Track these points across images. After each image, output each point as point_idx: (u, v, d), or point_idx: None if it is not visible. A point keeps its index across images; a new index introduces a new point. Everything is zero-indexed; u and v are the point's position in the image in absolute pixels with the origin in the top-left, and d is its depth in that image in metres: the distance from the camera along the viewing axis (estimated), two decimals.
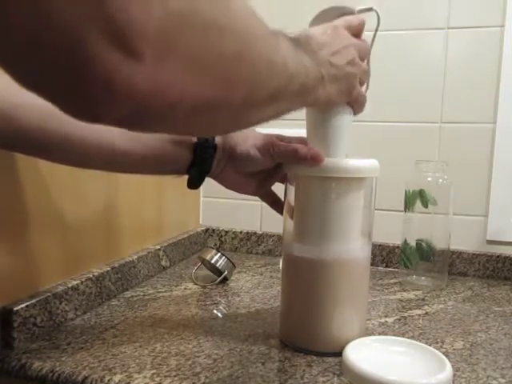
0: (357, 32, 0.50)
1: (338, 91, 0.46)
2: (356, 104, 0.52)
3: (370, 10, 0.52)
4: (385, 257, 0.96)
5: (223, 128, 0.35)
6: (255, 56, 0.31)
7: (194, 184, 0.56)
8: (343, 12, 0.51)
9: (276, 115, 0.38)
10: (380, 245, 0.95)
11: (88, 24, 0.21)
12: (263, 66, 0.32)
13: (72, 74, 0.22)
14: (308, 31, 0.45)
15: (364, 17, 0.51)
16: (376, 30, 0.54)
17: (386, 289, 0.81)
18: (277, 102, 0.37)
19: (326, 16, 0.51)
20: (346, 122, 0.53)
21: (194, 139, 0.53)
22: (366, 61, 0.51)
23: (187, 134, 0.32)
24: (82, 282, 0.64)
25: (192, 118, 0.29)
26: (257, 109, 0.35)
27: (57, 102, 0.25)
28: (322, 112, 0.52)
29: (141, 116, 0.26)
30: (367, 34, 0.52)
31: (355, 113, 0.53)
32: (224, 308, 0.70)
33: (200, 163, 0.53)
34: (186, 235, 0.98)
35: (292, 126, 0.97)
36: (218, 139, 0.54)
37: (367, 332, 0.60)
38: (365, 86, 0.53)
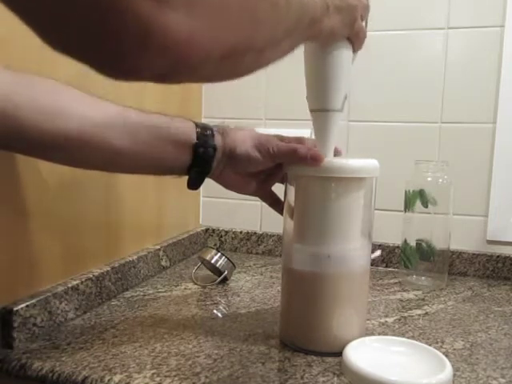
0: None
1: (342, 22, 0.46)
2: (356, 39, 0.51)
3: None
4: (385, 257, 0.96)
5: (246, 69, 0.35)
6: None
7: (194, 185, 0.56)
8: None
9: (289, 51, 0.38)
10: (380, 245, 0.95)
11: None
12: (282, 3, 0.33)
13: (106, 25, 0.22)
14: None
15: None
16: None
17: (386, 289, 0.81)
18: (292, 37, 0.37)
19: None
20: (346, 57, 0.51)
21: (194, 140, 0.53)
22: None
23: (215, 81, 0.33)
24: (82, 282, 0.64)
25: (221, 65, 0.30)
26: (276, 45, 0.35)
27: (94, 60, 0.24)
28: (323, 47, 0.51)
29: (174, 68, 0.26)
30: None
31: (355, 49, 0.52)
32: (224, 308, 0.70)
33: (200, 164, 0.53)
34: (186, 235, 0.98)
35: (292, 126, 0.97)
36: (217, 140, 0.54)
37: (367, 332, 0.60)
38: (364, 22, 0.52)
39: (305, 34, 0.41)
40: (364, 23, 0.52)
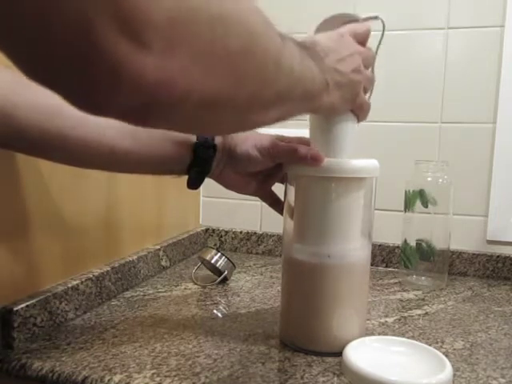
0: (362, 40, 0.49)
1: (342, 98, 0.46)
2: (360, 111, 0.52)
3: (375, 18, 0.52)
4: (385, 257, 0.96)
5: (228, 127, 0.35)
6: (263, 53, 0.31)
7: (194, 184, 0.56)
8: (348, 20, 0.51)
9: (280, 118, 0.38)
10: (380, 245, 0.95)
11: (97, 11, 0.21)
12: (270, 64, 0.32)
13: (79, 61, 0.22)
14: (314, 37, 0.45)
15: (369, 24, 0.51)
16: (381, 38, 0.54)
17: (386, 289, 0.81)
18: (282, 105, 0.36)
19: (331, 24, 0.51)
20: (349, 129, 0.52)
21: (194, 139, 0.53)
22: (370, 68, 0.51)
23: (191, 131, 0.32)
24: (82, 282, 0.64)
25: (198, 114, 0.29)
26: (262, 109, 0.35)
27: (62, 91, 0.24)
28: (326, 118, 0.52)
29: (149, 109, 0.26)
30: (371, 41, 0.52)
31: (359, 120, 0.53)
32: (224, 308, 0.70)
33: (200, 164, 0.53)
34: (186, 235, 0.98)
35: (292, 126, 0.97)
36: (217, 140, 0.54)
37: (367, 332, 0.60)
38: (368, 93, 0.53)
39: (300, 106, 0.41)
40: (369, 94, 0.53)
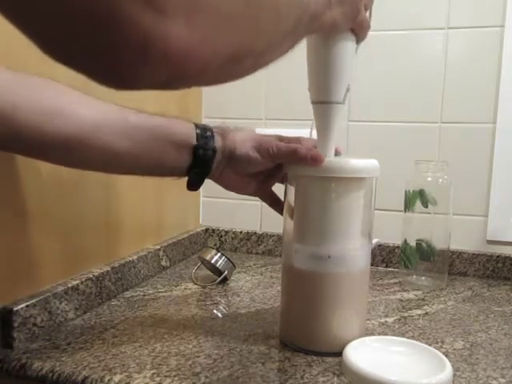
0: None
1: (344, 15, 0.45)
2: (360, 30, 0.50)
3: None
4: (385, 257, 0.96)
5: (245, 72, 0.35)
6: None
7: (194, 186, 0.56)
8: None
9: (290, 49, 0.38)
10: (380, 245, 0.95)
11: None
12: (283, 5, 0.32)
13: (106, 37, 0.22)
14: None
15: None
16: None
17: (386, 289, 0.81)
18: (293, 35, 0.37)
19: None
20: (348, 49, 0.51)
21: (194, 141, 0.52)
22: None
23: (212, 85, 0.33)
24: (82, 282, 0.64)
25: (223, 70, 0.30)
26: (278, 46, 0.35)
27: (94, 71, 0.24)
28: (326, 38, 0.50)
29: (178, 75, 0.26)
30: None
31: (358, 40, 0.52)
32: (224, 308, 0.70)
33: (200, 165, 0.53)
34: (186, 235, 0.98)
35: (292, 126, 0.97)
36: (217, 141, 0.54)
37: (367, 332, 0.60)
38: (368, 12, 0.51)
39: (306, 30, 0.41)
40: (368, 13, 0.51)
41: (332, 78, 0.51)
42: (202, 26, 0.25)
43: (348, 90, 0.52)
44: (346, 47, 0.50)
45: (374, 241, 0.84)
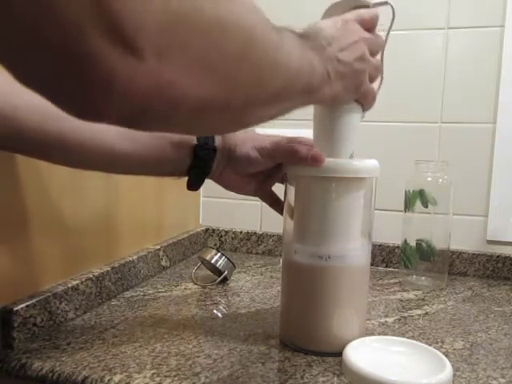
0: (369, 26, 0.48)
1: (345, 88, 0.45)
2: (364, 101, 0.50)
3: (385, 3, 0.50)
4: (385, 257, 0.96)
5: (224, 128, 0.34)
6: (258, 55, 0.30)
7: (194, 186, 0.56)
8: (357, 5, 0.49)
9: (278, 114, 0.38)
10: (380, 245, 0.95)
11: (88, 18, 0.20)
12: (266, 66, 0.31)
13: (72, 70, 0.22)
14: (317, 24, 0.44)
15: (377, 11, 0.49)
16: (391, 25, 0.51)
17: (386, 289, 0.81)
18: (279, 102, 0.36)
19: (339, 8, 0.50)
20: (353, 119, 0.51)
21: (194, 141, 0.52)
22: (379, 56, 0.50)
23: (188, 133, 0.32)
24: (82, 282, 0.64)
25: (193, 118, 0.29)
26: (259, 108, 0.34)
27: (57, 100, 0.24)
28: (329, 108, 0.51)
29: (142, 115, 0.26)
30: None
31: (364, 109, 0.52)
32: (224, 308, 0.70)
33: (200, 165, 0.53)
34: (186, 235, 0.98)
35: (292, 126, 0.97)
36: (217, 141, 0.54)
37: (367, 332, 0.60)
38: (378, 81, 0.51)
39: (300, 100, 0.40)
40: (378, 81, 0.51)
41: (336, 147, 0.52)
42: (173, 69, 0.24)
43: (352, 155, 0.53)
44: (351, 118, 0.51)
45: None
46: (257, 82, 0.31)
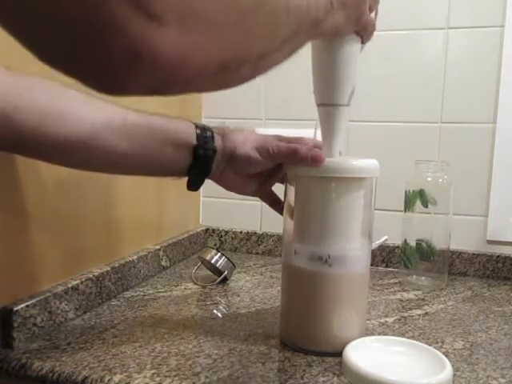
0: None
1: (347, 18, 0.44)
2: (364, 32, 0.49)
3: None
4: (385, 257, 0.96)
5: (243, 80, 0.34)
6: (272, 3, 0.30)
7: (194, 186, 0.56)
8: None
9: (290, 55, 0.37)
10: (380, 245, 0.95)
11: None
12: (281, 11, 0.31)
13: (95, 42, 0.22)
14: None
15: None
16: None
17: (386, 289, 0.81)
18: (291, 43, 0.36)
19: None
20: (353, 51, 0.50)
21: (194, 142, 0.52)
22: None
23: (209, 91, 0.32)
24: (82, 282, 0.64)
25: (216, 78, 0.29)
26: (274, 54, 0.34)
27: (78, 74, 0.24)
28: (330, 42, 0.50)
29: (165, 84, 0.26)
30: None
31: (363, 41, 0.51)
32: (224, 308, 0.70)
33: (200, 166, 0.53)
34: (186, 235, 0.98)
35: (292, 126, 0.97)
36: (217, 142, 0.54)
37: (367, 332, 0.60)
38: (373, 13, 0.50)
39: (307, 36, 0.40)
40: (374, 14, 0.50)
41: (337, 81, 0.51)
42: (195, 34, 0.24)
43: (353, 92, 0.52)
44: (351, 50, 0.50)
45: (384, 237, 0.83)
46: (273, 29, 0.31)
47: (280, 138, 0.56)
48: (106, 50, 0.22)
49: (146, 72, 0.24)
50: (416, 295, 0.78)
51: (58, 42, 0.22)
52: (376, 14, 0.52)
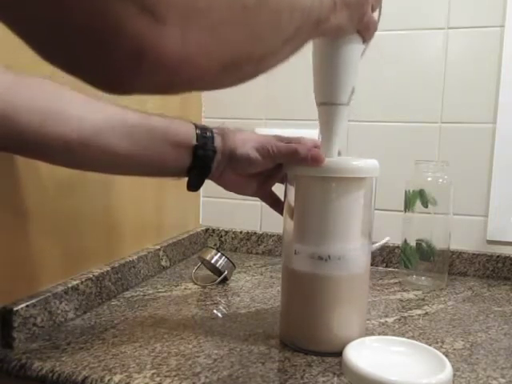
0: None
1: (349, 18, 0.44)
2: (366, 32, 0.49)
3: None
4: (385, 257, 0.96)
5: (246, 78, 0.34)
6: (277, 2, 0.30)
7: (194, 186, 0.56)
8: None
9: (292, 53, 0.37)
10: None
11: None
12: (285, 11, 0.32)
13: (100, 42, 0.22)
14: None
15: None
16: None
17: (386, 289, 0.81)
18: (293, 42, 0.36)
19: None
20: (354, 50, 0.50)
21: (194, 142, 0.52)
22: None
23: (212, 89, 0.33)
24: (82, 282, 0.64)
25: (218, 76, 0.29)
26: (276, 53, 0.35)
27: (84, 74, 0.24)
28: (332, 41, 0.50)
29: (169, 83, 0.26)
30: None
31: (365, 40, 0.51)
32: (224, 308, 0.70)
33: (200, 166, 0.53)
34: (186, 235, 0.98)
35: (292, 126, 0.97)
36: (217, 142, 0.54)
37: (367, 332, 0.60)
38: (377, 12, 0.51)
39: (309, 36, 0.40)
40: (377, 12, 0.51)
41: (337, 80, 0.51)
42: (198, 34, 0.24)
43: (353, 91, 0.52)
44: (352, 49, 0.50)
45: (386, 239, 0.84)
46: (276, 28, 0.32)
47: (280, 138, 0.56)
48: (112, 50, 0.22)
49: (151, 71, 0.24)
50: (416, 295, 0.78)
51: (63, 43, 0.22)
52: (380, 14, 0.52)
